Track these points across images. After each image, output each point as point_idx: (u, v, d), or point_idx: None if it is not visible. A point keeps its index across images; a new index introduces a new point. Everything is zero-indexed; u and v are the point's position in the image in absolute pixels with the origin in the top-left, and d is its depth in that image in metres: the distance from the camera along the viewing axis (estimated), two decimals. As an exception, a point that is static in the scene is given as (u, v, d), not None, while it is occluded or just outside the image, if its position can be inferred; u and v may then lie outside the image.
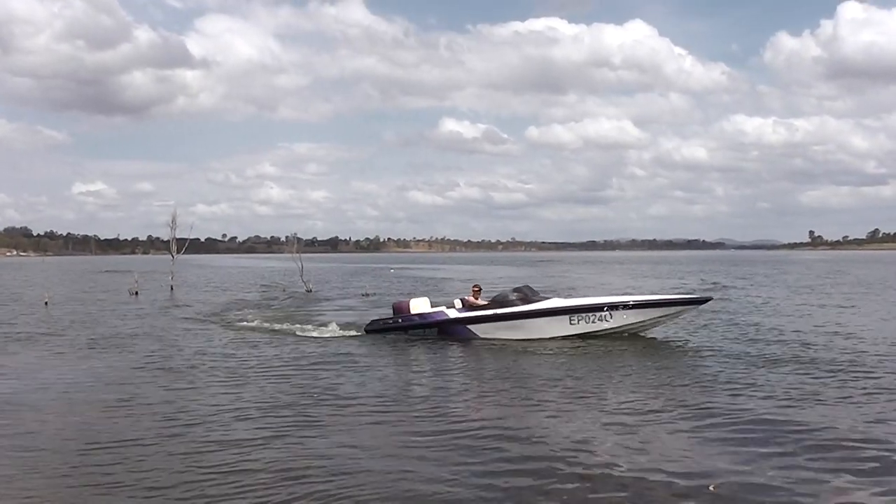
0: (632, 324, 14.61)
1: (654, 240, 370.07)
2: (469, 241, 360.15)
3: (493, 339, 14.48)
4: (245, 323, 18.89)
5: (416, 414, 8.66)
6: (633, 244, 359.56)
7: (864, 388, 9.72)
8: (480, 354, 13.52)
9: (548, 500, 5.74)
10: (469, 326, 14.89)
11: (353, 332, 16.10)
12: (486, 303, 15.19)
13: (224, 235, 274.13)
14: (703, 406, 8.80)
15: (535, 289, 15.76)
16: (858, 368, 11.15)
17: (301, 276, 33.53)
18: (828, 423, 7.90)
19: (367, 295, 30.37)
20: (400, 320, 15.59)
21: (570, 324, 14.55)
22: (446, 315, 15.25)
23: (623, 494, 5.82)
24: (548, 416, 8.48)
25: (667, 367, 11.84)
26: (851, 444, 7.09)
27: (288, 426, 7.97)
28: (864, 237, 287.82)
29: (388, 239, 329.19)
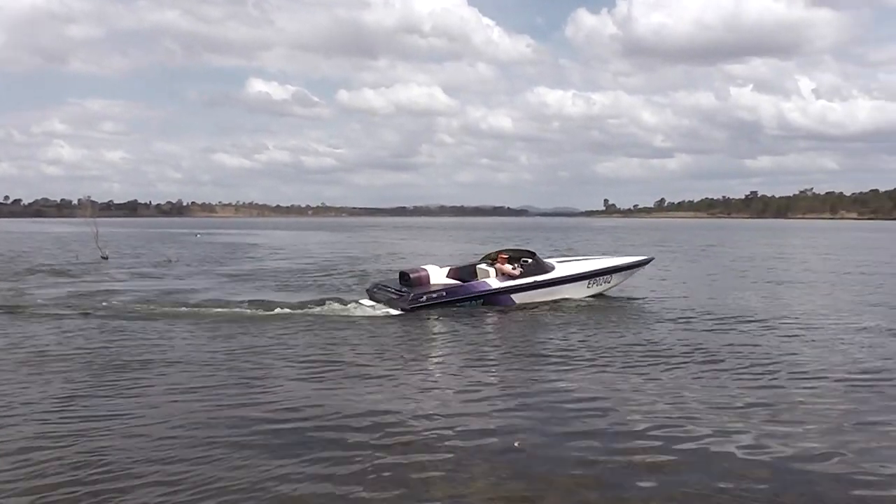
0: (614, 285, 16.59)
1: (462, 206, 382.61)
2: (278, 205, 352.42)
3: (528, 304, 14.83)
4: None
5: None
6: (442, 210, 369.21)
7: (654, 354, 10.61)
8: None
9: (361, 465, 5.74)
10: (511, 295, 14.92)
11: (392, 311, 13.94)
12: (520, 272, 15.13)
13: (6, 198, 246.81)
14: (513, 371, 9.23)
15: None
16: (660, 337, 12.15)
17: (96, 241, 31.11)
18: (626, 392, 8.57)
19: (171, 261, 28.80)
20: (444, 294, 14.46)
21: (587, 287, 16.04)
22: (489, 286, 14.85)
23: (440, 456, 5.96)
24: (367, 386, 8.48)
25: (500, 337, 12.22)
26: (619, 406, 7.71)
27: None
28: (652, 206, 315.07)
29: (193, 203, 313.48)
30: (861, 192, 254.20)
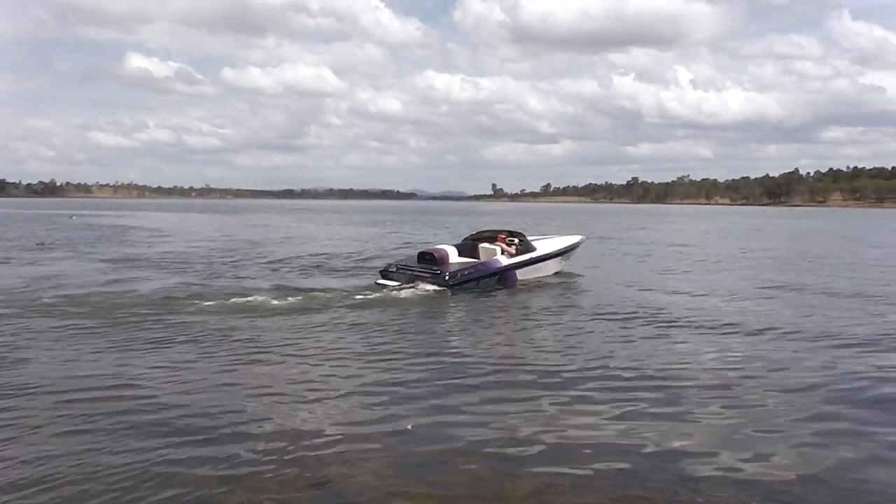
0: (566, 263, 17.93)
1: (351, 189, 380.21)
2: (160, 186, 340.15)
3: (525, 280, 15.87)
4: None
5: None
6: (331, 193, 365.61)
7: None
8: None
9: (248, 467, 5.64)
10: (517, 272, 15.88)
11: (429, 288, 14.36)
12: (516, 250, 16.14)
13: None
14: (409, 351, 9.28)
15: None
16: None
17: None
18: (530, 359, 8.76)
19: (44, 244, 27.14)
20: (473, 271, 15.17)
21: (560, 263, 17.47)
22: (500, 263, 15.62)
23: (334, 443, 5.92)
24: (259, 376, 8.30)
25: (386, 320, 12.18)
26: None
27: None
28: (538, 191, 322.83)
29: (67, 183, 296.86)
30: (733, 179, 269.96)
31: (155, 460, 5.44)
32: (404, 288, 14.48)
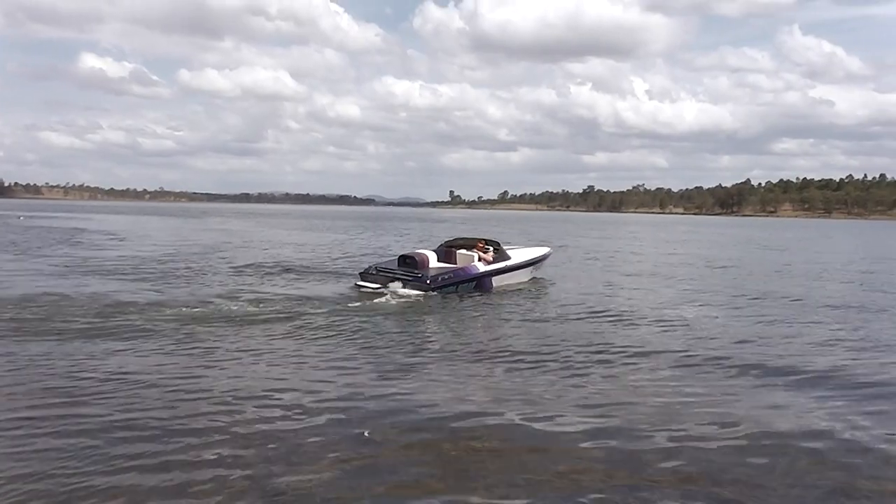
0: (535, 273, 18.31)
1: (308, 194, 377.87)
2: (112, 188, 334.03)
3: (500, 287, 16.16)
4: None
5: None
6: (287, 197, 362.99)
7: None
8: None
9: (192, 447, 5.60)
10: (493, 279, 16.17)
11: (411, 292, 14.53)
12: (493, 257, 16.49)
13: None
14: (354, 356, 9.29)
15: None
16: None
17: None
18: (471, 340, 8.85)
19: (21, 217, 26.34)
20: (453, 275, 15.42)
21: (530, 273, 17.98)
22: (479, 269, 15.96)
23: (285, 443, 5.92)
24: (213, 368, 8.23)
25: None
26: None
27: None
28: (495, 198, 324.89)
29: (15, 184, 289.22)
30: (687, 189, 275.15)
31: (98, 469, 5.38)
32: (384, 290, 14.63)
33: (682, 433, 6.50)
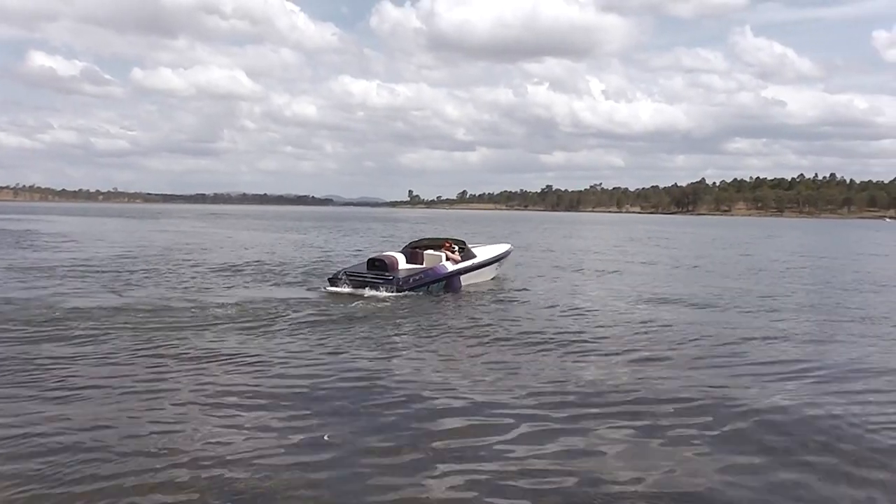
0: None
1: (265, 194, 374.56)
2: (64, 189, 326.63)
3: (468, 286, 16.42)
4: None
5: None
6: (244, 198, 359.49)
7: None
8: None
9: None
10: (461, 277, 16.34)
11: (379, 294, 14.69)
12: (460, 256, 16.71)
13: None
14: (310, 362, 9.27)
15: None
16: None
17: None
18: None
19: None
20: (422, 276, 15.53)
21: (496, 269, 18.47)
22: (447, 269, 16.13)
23: (233, 450, 5.89)
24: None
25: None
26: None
27: None
28: (454, 197, 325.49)
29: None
30: (643, 188, 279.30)
31: (54, 477, 5.31)
32: (354, 294, 14.65)
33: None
